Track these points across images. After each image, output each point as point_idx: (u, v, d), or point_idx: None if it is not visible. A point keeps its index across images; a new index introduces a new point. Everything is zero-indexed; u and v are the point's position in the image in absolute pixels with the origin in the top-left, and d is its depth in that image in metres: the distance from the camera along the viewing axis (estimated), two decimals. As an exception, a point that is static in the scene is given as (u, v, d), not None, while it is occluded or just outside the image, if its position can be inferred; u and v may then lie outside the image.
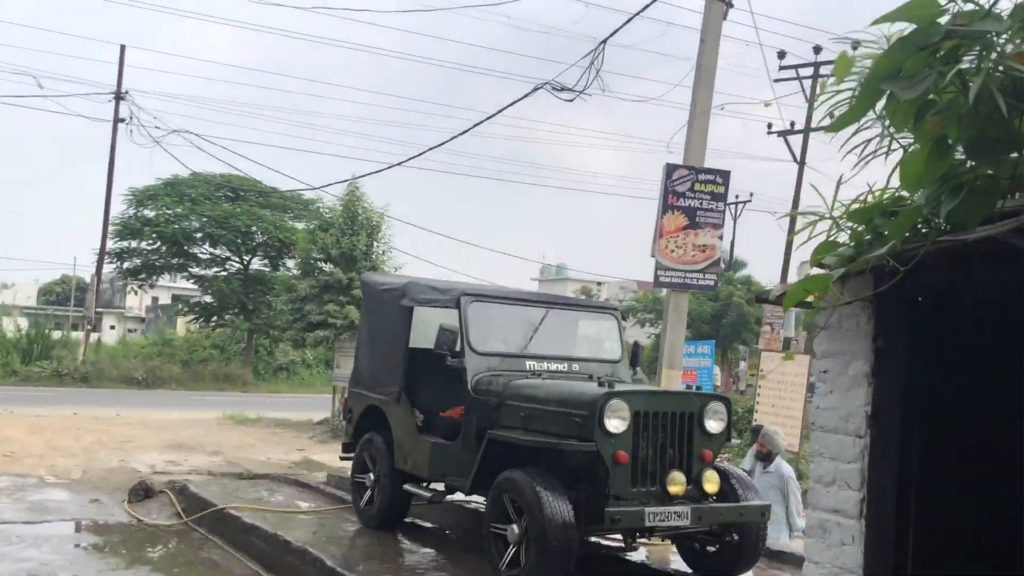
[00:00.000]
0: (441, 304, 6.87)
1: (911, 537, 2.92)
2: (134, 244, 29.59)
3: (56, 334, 31.29)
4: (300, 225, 28.48)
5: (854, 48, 2.55)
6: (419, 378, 7.14)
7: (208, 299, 31.96)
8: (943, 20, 2.27)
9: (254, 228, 29.40)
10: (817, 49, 23.58)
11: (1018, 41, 2.27)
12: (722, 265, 23.38)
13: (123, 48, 29.10)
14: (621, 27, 10.53)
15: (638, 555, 6.56)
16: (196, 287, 33.37)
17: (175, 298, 49.88)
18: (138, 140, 31.04)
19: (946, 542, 2.98)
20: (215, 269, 31.04)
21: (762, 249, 48.76)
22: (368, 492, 7.39)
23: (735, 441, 10.97)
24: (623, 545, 5.96)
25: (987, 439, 2.99)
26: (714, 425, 5.75)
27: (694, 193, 9.88)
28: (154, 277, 31.33)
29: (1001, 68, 2.23)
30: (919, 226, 2.62)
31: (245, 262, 30.73)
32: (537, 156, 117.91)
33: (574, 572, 5.20)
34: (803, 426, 10.65)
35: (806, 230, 2.85)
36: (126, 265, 30.08)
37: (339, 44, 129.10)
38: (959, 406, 3.00)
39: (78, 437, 13.46)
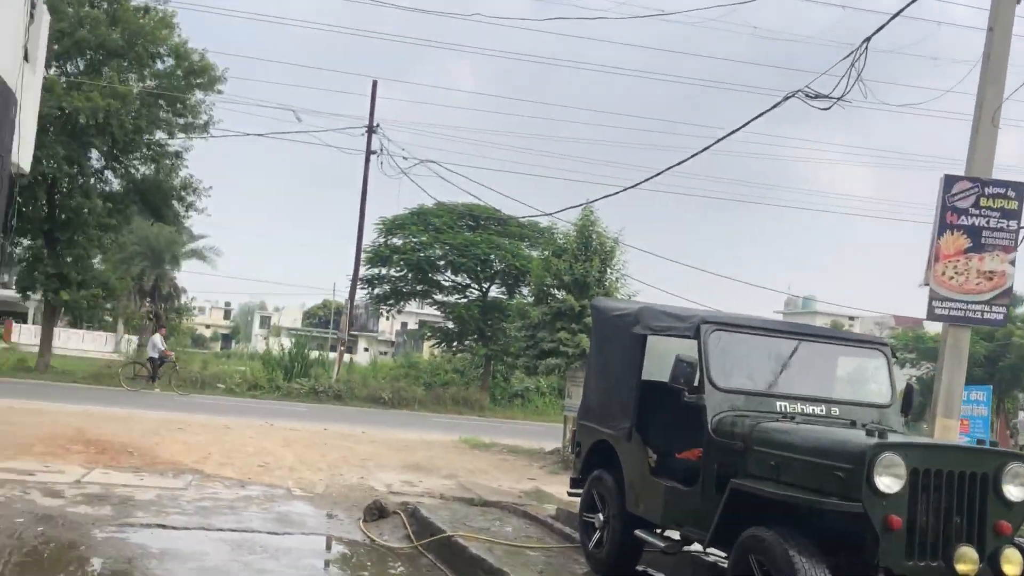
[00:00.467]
0: (678, 333, 6.31)
1: None
2: (383, 271, 31.55)
3: (314, 354, 33.92)
4: (535, 253, 28.92)
5: None
6: (652, 414, 6.61)
7: (450, 325, 33.34)
8: None
9: (492, 256, 30.31)
10: None
11: None
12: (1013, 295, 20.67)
13: (375, 83, 30.67)
14: (886, 23, 9.44)
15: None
16: (440, 313, 34.94)
17: (422, 323, 52.97)
18: (387, 171, 32.53)
19: None
20: (456, 296, 32.40)
21: (1053, 281, 42.66)
22: (597, 534, 6.95)
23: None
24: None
25: None
26: (1015, 492, 4.77)
27: (979, 209, 8.52)
28: (401, 303, 33.22)
29: None
30: None
31: (484, 289, 31.76)
32: (781, 176, 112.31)
33: None
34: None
35: None
36: (376, 291, 32.16)
37: (578, 65, 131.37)
38: None
39: (325, 452, 14.14)
